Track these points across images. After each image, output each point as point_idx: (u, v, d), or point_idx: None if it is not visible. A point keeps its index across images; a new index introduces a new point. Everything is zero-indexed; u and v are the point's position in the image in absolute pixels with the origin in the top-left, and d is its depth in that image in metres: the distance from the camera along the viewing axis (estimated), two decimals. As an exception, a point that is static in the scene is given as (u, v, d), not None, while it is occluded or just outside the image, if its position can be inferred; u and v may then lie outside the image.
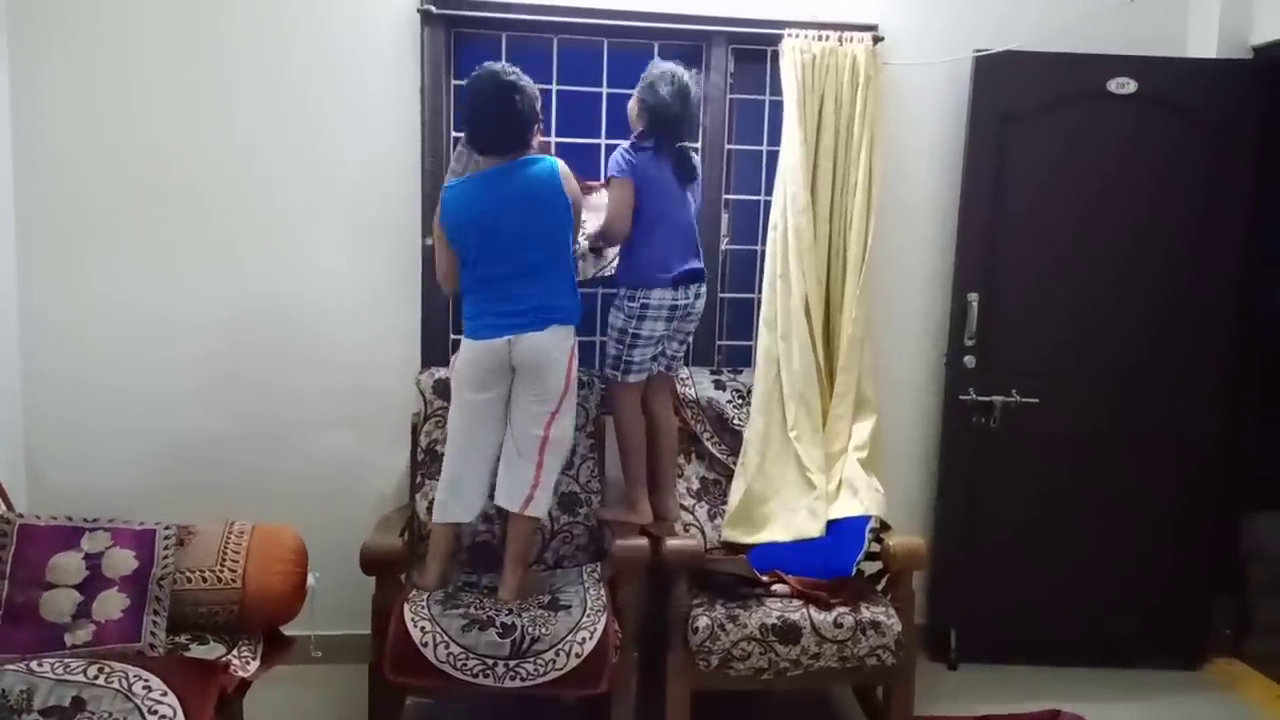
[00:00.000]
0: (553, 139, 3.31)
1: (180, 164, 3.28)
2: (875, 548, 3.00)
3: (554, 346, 2.86)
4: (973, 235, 3.48)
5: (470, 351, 2.89)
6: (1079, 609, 3.59)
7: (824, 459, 3.25)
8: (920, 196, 3.54)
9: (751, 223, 3.59)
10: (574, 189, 2.93)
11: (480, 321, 2.87)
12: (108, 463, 3.31)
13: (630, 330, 3.06)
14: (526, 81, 2.83)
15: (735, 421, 3.37)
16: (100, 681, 2.24)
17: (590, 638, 2.67)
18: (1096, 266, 3.49)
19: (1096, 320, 3.52)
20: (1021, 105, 3.41)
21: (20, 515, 2.59)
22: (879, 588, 3.04)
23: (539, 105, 2.89)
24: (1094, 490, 3.57)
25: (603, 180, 3.14)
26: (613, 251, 3.20)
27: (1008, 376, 3.49)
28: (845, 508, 3.12)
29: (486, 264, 2.85)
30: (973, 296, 3.46)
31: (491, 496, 2.94)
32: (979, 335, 3.47)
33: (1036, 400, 3.48)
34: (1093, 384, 3.53)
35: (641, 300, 3.03)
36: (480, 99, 2.82)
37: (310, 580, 2.80)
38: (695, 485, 3.32)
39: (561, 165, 2.89)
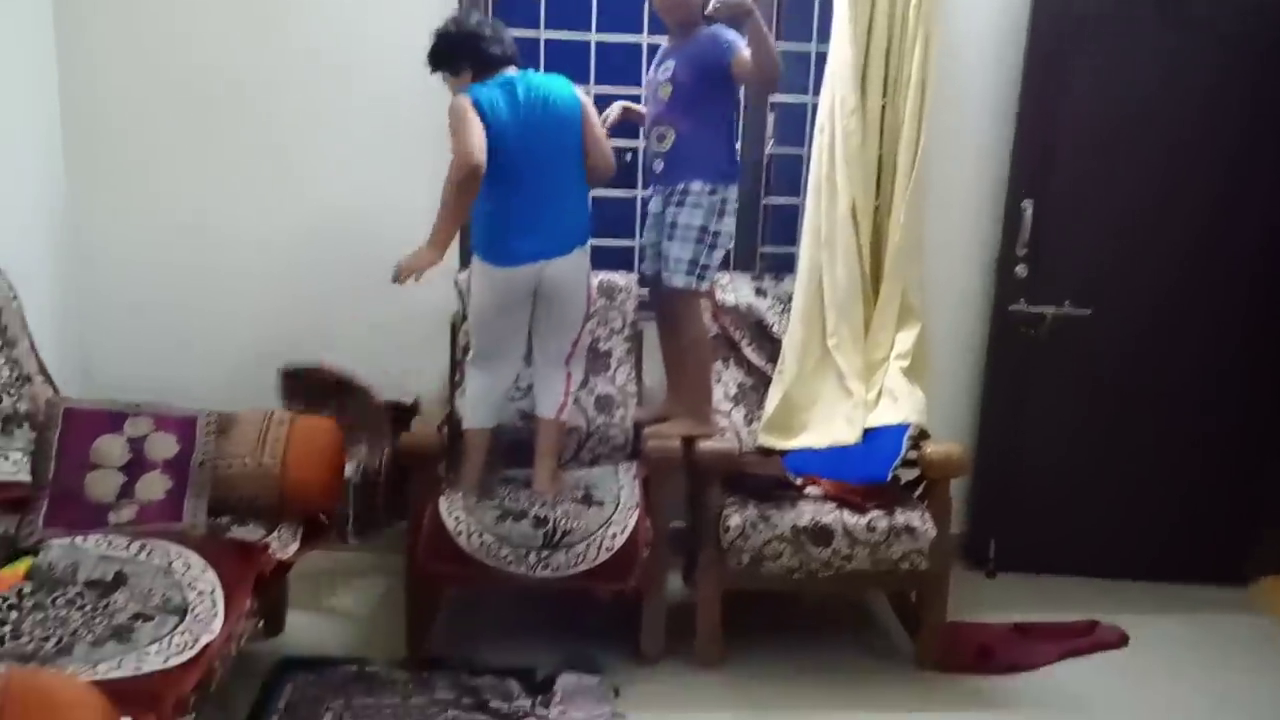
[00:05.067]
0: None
1: (224, 73, 3.28)
2: (914, 455, 2.96)
3: (580, 270, 2.85)
4: (1031, 140, 3.34)
5: (490, 278, 2.80)
6: (1122, 522, 3.53)
7: (863, 367, 3.20)
8: (976, 99, 3.40)
9: (798, 125, 3.48)
10: (590, 107, 2.87)
11: (504, 245, 2.76)
12: (158, 365, 3.36)
13: (712, 229, 2.92)
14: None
15: (775, 329, 3.33)
16: (142, 558, 2.31)
17: (621, 533, 2.69)
18: (1155, 176, 3.34)
19: (1154, 231, 3.38)
20: (1087, 5, 3.24)
21: (66, 398, 2.65)
22: (916, 494, 3.00)
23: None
24: (1142, 403, 3.47)
25: (734, 48, 2.82)
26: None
27: (1060, 287, 3.39)
28: (884, 415, 3.07)
29: (514, 177, 2.71)
30: (1027, 203, 3.34)
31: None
32: (1031, 244, 3.36)
33: (1089, 311, 3.37)
34: (1147, 296, 3.42)
35: (723, 195, 2.92)
36: (466, 28, 2.78)
37: (349, 469, 2.85)
38: (733, 391, 3.29)
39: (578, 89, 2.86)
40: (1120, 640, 3.10)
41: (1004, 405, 3.50)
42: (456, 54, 2.77)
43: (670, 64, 2.90)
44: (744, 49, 2.79)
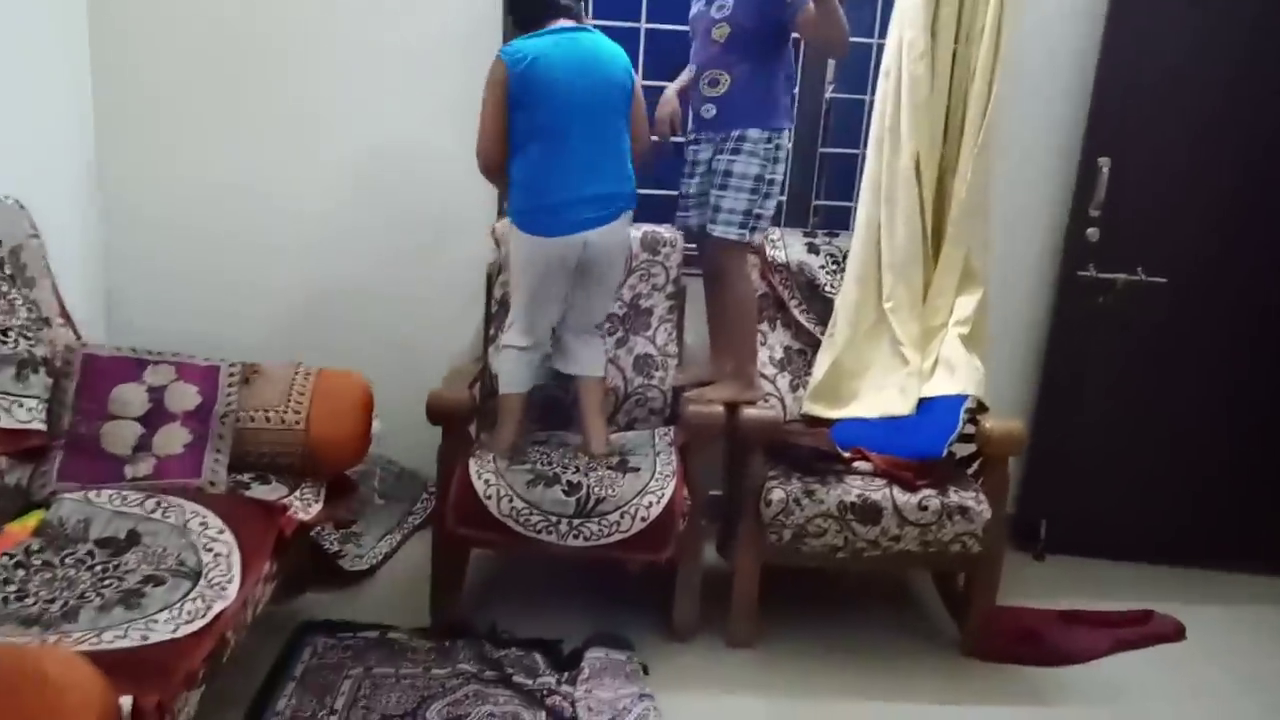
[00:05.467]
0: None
1: (251, 24, 3.15)
2: (970, 430, 2.79)
3: (625, 238, 2.76)
4: (1111, 94, 3.10)
5: (531, 249, 2.63)
6: (1179, 508, 3.34)
7: (920, 335, 3.01)
8: (1054, 47, 3.15)
9: (860, 70, 3.25)
10: (640, 101, 2.75)
11: (546, 212, 2.59)
12: (184, 320, 3.23)
13: (767, 177, 2.75)
14: None
15: (827, 289, 3.15)
16: (157, 515, 2.22)
17: (657, 502, 2.56)
18: (1246, 140, 3.10)
19: (1237, 200, 3.15)
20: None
21: (84, 344, 2.54)
22: (970, 471, 2.84)
23: None
24: (1210, 384, 3.28)
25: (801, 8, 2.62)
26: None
27: (1134, 253, 3.16)
28: (941, 385, 2.89)
29: (558, 135, 2.55)
30: (1104, 161, 3.11)
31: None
32: (1107, 206, 3.13)
33: (1164, 280, 3.16)
34: (1226, 269, 3.20)
35: (776, 142, 2.74)
36: None
37: (376, 427, 2.73)
38: (779, 354, 3.12)
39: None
40: (1177, 633, 2.94)
41: (1064, 377, 3.31)
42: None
43: (727, 2, 2.68)
44: (811, 4, 2.59)
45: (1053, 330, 3.32)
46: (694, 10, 2.81)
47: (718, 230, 2.76)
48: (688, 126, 2.93)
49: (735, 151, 2.73)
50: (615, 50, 2.65)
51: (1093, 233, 3.17)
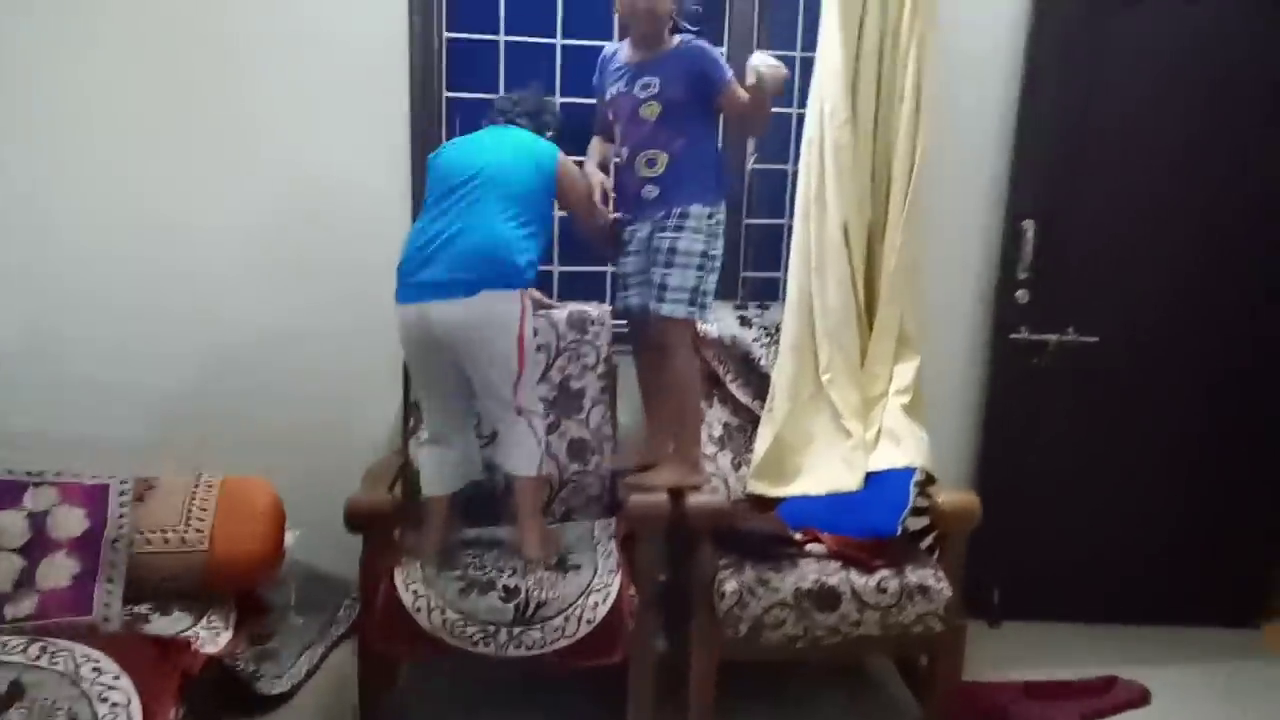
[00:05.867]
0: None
1: (173, 63, 2.94)
2: (921, 503, 2.69)
3: (491, 320, 2.43)
4: (1031, 154, 3.10)
5: (397, 317, 2.51)
6: (1131, 565, 3.30)
7: (860, 404, 2.92)
8: (975, 109, 3.14)
9: (782, 139, 3.20)
10: (574, 181, 2.67)
11: (404, 273, 2.48)
12: (65, 408, 2.96)
13: (711, 253, 2.65)
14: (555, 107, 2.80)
15: (762, 363, 3.04)
16: (43, 663, 1.96)
17: (603, 601, 2.39)
18: (1170, 191, 3.13)
19: (1162, 253, 3.16)
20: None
21: (-47, 468, 2.27)
22: (924, 546, 2.73)
23: (557, 124, 2.75)
24: (1152, 439, 3.26)
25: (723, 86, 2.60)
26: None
27: (1064, 313, 3.15)
28: (887, 458, 2.79)
29: (428, 207, 2.53)
30: (1027, 224, 3.10)
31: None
32: (1034, 267, 3.12)
33: (1096, 339, 3.14)
34: (1158, 324, 3.20)
35: (717, 217, 2.66)
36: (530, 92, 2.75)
37: (289, 539, 2.50)
38: (718, 432, 2.99)
39: (562, 156, 2.63)
40: (1142, 698, 2.87)
41: (1005, 440, 3.26)
42: None
43: (653, 80, 2.60)
44: (733, 81, 2.58)
45: (989, 393, 3.27)
46: (611, 92, 2.71)
47: (664, 309, 2.63)
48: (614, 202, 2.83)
49: (679, 229, 2.62)
50: (527, 142, 2.60)
51: (1022, 294, 3.15)
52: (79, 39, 2.89)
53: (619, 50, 2.73)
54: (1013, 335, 3.17)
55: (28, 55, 2.88)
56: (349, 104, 3.00)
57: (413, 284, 2.44)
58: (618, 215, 2.83)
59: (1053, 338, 3.15)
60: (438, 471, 2.61)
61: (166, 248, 3.01)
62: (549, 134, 2.69)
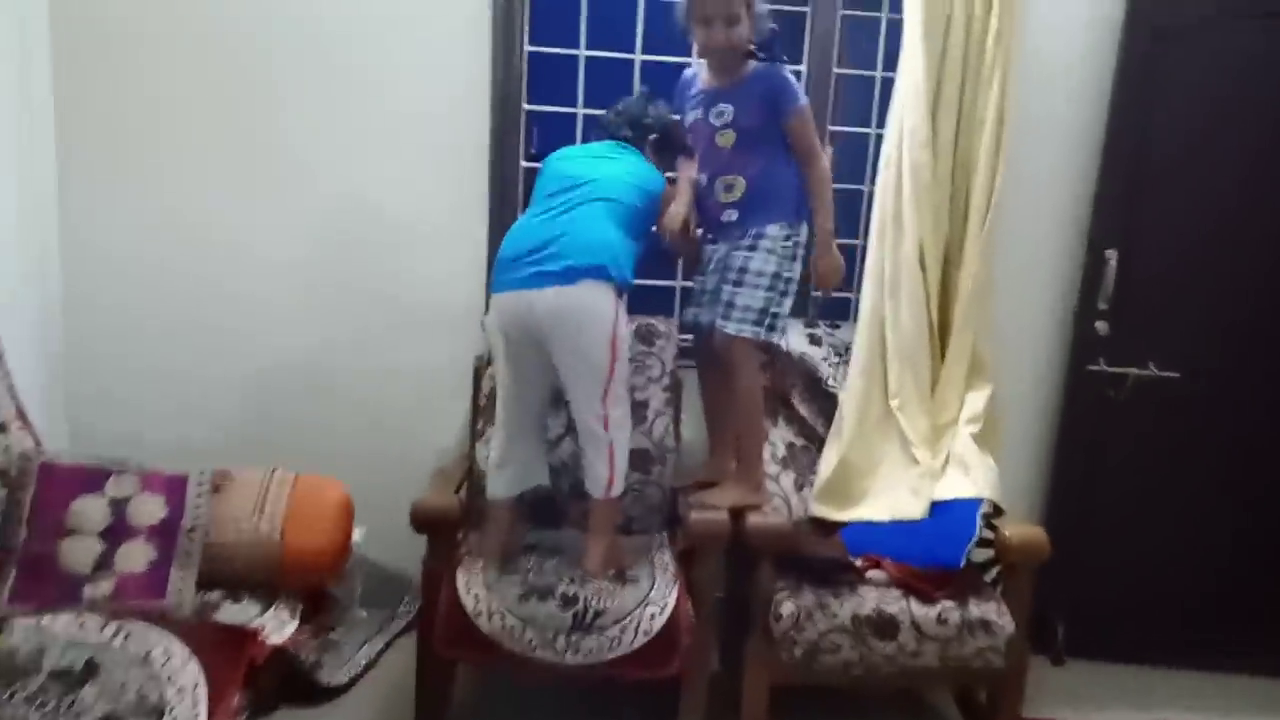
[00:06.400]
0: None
1: (228, 74, 3.01)
2: (987, 535, 2.65)
3: (588, 308, 2.42)
4: (1115, 180, 3.03)
5: (491, 310, 2.55)
6: (1203, 608, 3.19)
7: (930, 431, 2.89)
8: (1058, 133, 3.08)
9: (858, 159, 3.18)
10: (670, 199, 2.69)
11: (497, 267, 2.53)
12: (146, 404, 3.09)
13: (785, 275, 2.64)
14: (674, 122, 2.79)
15: (830, 382, 3.02)
16: (117, 644, 2.04)
17: (660, 614, 2.39)
18: (1259, 227, 3.03)
19: (1250, 289, 3.06)
20: (1184, 21, 2.93)
21: (42, 452, 2.37)
22: (989, 579, 2.69)
23: (660, 125, 2.77)
24: (1228, 478, 3.15)
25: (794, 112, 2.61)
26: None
27: (1145, 347, 3.07)
28: (954, 488, 2.75)
29: (536, 199, 2.61)
30: (1110, 253, 3.03)
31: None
32: (1115, 298, 3.04)
33: (1177, 375, 3.05)
34: (1241, 361, 3.09)
35: (795, 239, 2.65)
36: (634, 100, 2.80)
37: (356, 537, 2.56)
38: (781, 452, 2.97)
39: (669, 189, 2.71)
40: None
41: (1077, 474, 3.18)
42: None
43: (727, 108, 2.61)
44: (802, 109, 2.61)
45: (1062, 425, 3.19)
46: (692, 118, 2.73)
47: (730, 327, 2.62)
48: (698, 229, 2.84)
49: (752, 249, 2.63)
50: (640, 165, 2.67)
51: (1101, 326, 3.07)
52: (143, 65, 2.99)
53: (697, 74, 2.74)
54: (1090, 367, 3.09)
55: (92, 77, 2.99)
56: (422, 141, 3.08)
57: (516, 273, 2.46)
58: (698, 232, 2.84)
59: (1132, 371, 3.07)
60: (503, 474, 2.63)
61: (242, 271, 3.11)
62: (653, 137, 2.75)
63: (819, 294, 2.71)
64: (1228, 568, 3.18)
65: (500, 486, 2.64)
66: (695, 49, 2.75)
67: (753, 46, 2.61)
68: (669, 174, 2.78)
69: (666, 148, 2.77)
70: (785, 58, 2.68)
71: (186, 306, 3.12)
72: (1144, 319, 3.07)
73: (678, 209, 2.66)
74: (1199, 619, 3.20)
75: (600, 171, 2.57)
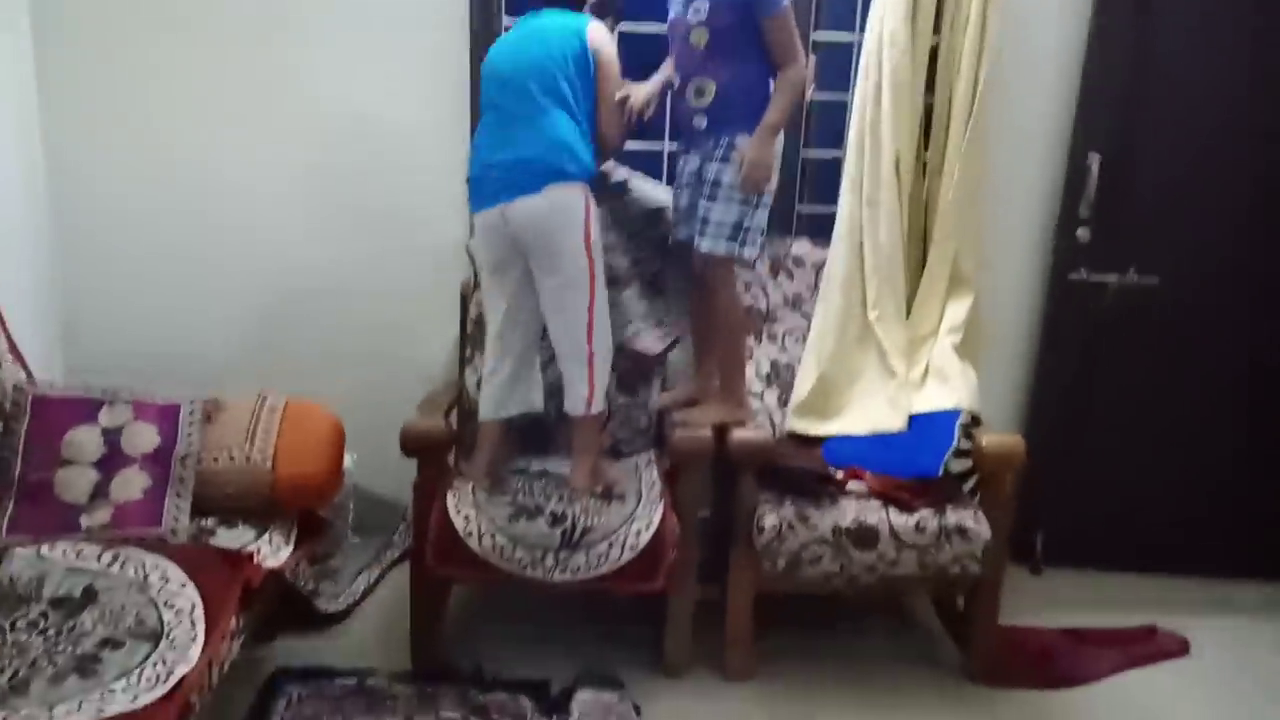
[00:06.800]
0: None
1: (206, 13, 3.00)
2: (965, 445, 2.69)
3: (560, 212, 2.47)
4: (1100, 85, 2.99)
5: (475, 229, 2.61)
6: (1179, 515, 3.24)
7: (907, 344, 2.90)
8: (1039, 38, 3.02)
9: (843, 68, 3.13)
10: (605, 48, 2.57)
11: (471, 183, 2.57)
12: (138, 334, 3.13)
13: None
14: None
15: (813, 300, 3.03)
16: (115, 570, 2.09)
17: (646, 530, 2.44)
18: (1239, 132, 3.00)
19: (1231, 194, 3.05)
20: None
21: (34, 385, 2.40)
22: (967, 489, 2.74)
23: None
24: (1208, 387, 3.18)
25: (774, 11, 2.50)
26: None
27: (1126, 253, 3.07)
28: (933, 398, 2.78)
29: (485, 110, 2.58)
30: (1094, 157, 3.01)
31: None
32: (1097, 204, 3.03)
33: (1156, 280, 3.06)
34: (1221, 267, 3.10)
35: None
36: None
37: (348, 462, 2.61)
38: (765, 369, 3.01)
39: (596, 26, 2.56)
40: (1181, 648, 2.86)
41: (1058, 384, 3.21)
42: None
43: (703, 5, 2.53)
44: (782, 12, 2.51)
45: (1044, 335, 3.22)
46: (672, 14, 2.66)
47: (705, 244, 2.62)
48: (668, 136, 2.81)
49: (725, 159, 2.59)
50: (564, 19, 2.55)
51: (1083, 233, 3.07)
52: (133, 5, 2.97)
53: None
54: (1071, 275, 3.10)
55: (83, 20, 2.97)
56: (410, 35, 3.03)
57: (485, 190, 2.51)
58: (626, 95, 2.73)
59: (1113, 278, 3.08)
60: (496, 396, 2.66)
61: (232, 196, 3.12)
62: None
63: (749, 210, 2.59)
64: (1207, 474, 3.23)
65: (491, 409, 2.67)
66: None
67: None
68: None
69: (602, 8, 2.68)
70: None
71: (175, 236, 3.13)
72: (1126, 224, 3.06)
73: (636, 91, 2.66)
74: (1179, 525, 3.26)
75: (532, 53, 2.50)
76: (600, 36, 2.56)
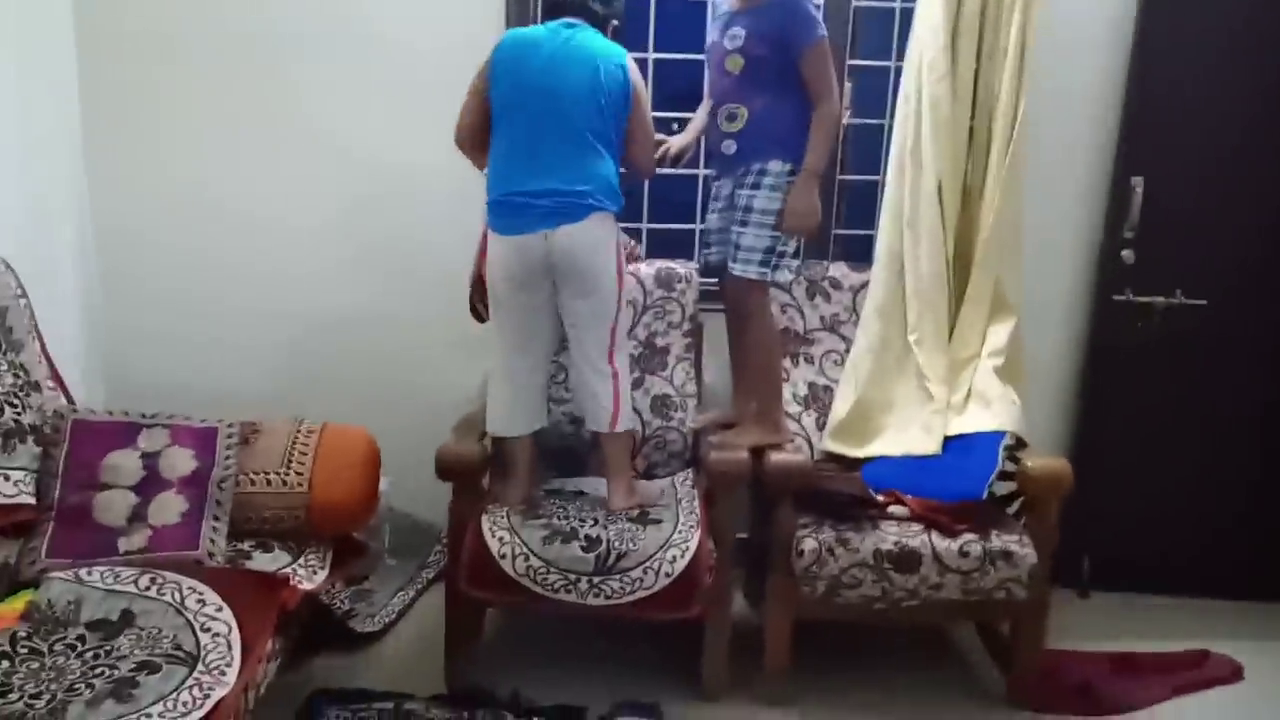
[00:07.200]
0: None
1: (247, 38, 3.07)
2: (1010, 467, 2.64)
3: (596, 239, 2.48)
4: (1142, 109, 2.96)
5: (499, 248, 2.52)
6: (1229, 538, 3.18)
7: (947, 368, 2.86)
8: (1083, 65, 3.01)
9: (878, 93, 3.12)
10: (640, 81, 2.57)
11: (506, 207, 2.48)
12: (179, 364, 3.19)
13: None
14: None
15: (851, 323, 3.00)
16: (152, 593, 2.08)
17: (681, 556, 2.41)
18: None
19: (1277, 216, 3.00)
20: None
21: (75, 410, 2.42)
22: (1011, 512, 2.69)
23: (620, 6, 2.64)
24: (1256, 409, 3.11)
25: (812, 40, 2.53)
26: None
27: (1172, 275, 3.02)
28: (976, 421, 2.74)
29: (522, 120, 2.47)
30: (1137, 180, 2.97)
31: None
32: (1141, 226, 2.99)
33: (1204, 302, 3.01)
34: (1269, 289, 3.04)
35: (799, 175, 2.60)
36: None
37: (384, 485, 2.60)
38: (803, 391, 2.98)
39: (631, 60, 2.54)
40: (1234, 673, 2.78)
41: (1104, 406, 3.16)
42: None
43: (739, 31, 2.55)
44: (818, 46, 2.52)
45: (1089, 357, 3.16)
46: (709, 39, 2.69)
47: (737, 269, 2.63)
48: (704, 162, 2.82)
49: (755, 186, 2.60)
50: (607, 54, 2.49)
51: (1128, 255, 3.03)
52: (168, 46, 3.06)
53: None
54: (1116, 297, 3.05)
55: (120, 57, 3.06)
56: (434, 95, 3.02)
57: (530, 216, 2.45)
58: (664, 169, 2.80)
59: (1159, 300, 3.03)
60: (506, 412, 2.64)
61: (265, 234, 3.19)
62: (614, 24, 2.62)
63: (781, 236, 2.59)
64: (1254, 498, 3.16)
65: (500, 425, 2.65)
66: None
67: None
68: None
69: (618, 33, 2.66)
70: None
71: (212, 274, 3.21)
72: (1170, 247, 3.02)
73: (673, 141, 2.72)
74: (1225, 550, 3.19)
75: (574, 85, 2.45)
76: (637, 71, 2.57)
